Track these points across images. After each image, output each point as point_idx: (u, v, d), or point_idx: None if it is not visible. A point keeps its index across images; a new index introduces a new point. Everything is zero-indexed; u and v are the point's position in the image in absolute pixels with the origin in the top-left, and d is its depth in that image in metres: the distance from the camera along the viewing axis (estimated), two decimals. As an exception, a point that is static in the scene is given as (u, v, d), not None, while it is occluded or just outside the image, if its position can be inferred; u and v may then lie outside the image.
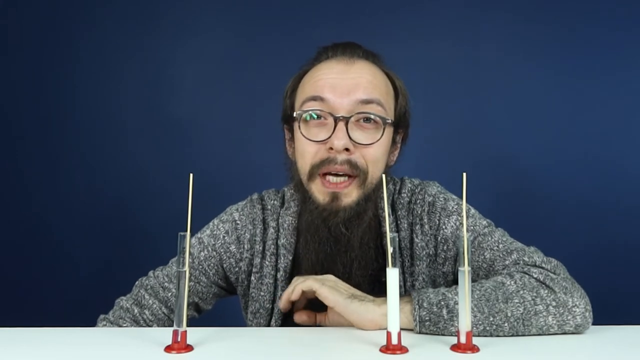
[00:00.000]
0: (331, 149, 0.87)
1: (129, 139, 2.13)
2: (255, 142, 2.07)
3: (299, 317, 0.89)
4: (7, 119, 2.16)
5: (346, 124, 0.87)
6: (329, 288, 0.82)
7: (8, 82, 2.16)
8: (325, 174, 0.88)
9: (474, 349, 0.71)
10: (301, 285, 0.85)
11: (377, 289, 0.85)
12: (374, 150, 0.89)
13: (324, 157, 0.88)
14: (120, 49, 2.15)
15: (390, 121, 0.91)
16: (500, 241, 0.91)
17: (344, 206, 0.88)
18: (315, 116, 0.89)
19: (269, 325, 0.97)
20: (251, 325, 0.99)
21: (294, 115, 0.92)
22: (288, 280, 0.96)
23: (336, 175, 0.88)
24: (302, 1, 2.10)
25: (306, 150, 0.90)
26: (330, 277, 0.87)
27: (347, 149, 0.87)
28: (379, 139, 0.89)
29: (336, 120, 0.87)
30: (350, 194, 0.89)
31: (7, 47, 2.17)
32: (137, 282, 1.03)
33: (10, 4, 2.17)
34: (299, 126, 0.90)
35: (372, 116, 0.89)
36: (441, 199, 0.97)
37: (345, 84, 0.89)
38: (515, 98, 2.04)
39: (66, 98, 2.15)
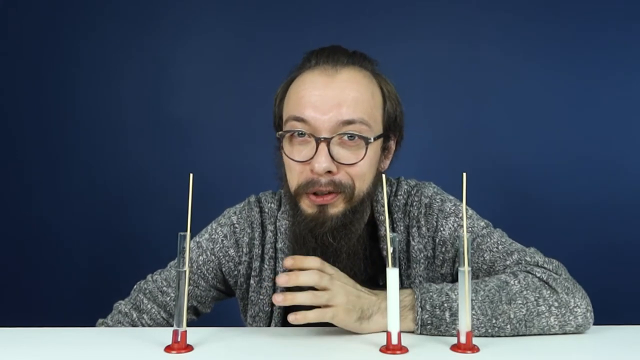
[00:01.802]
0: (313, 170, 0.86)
1: (129, 139, 2.13)
2: (254, 142, 2.06)
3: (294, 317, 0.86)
4: (7, 119, 2.17)
5: (328, 145, 0.85)
6: (336, 310, 0.77)
7: (8, 82, 2.16)
8: (311, 193, 0.88)
9: (474, 349, 0.71)
10: (311, 316, 0.76)
11: None
12: (359, 167, 0.88)
13: (308, 178, 0.87)
14: (120, 49, 2.15)
15: (372, 140, 0.88)
16: (499, 242, 0.91)
17: (330, 216, 0.87)
18: (299, 134, 0.88)
19: None
20: (250, 328, 0.99)
21: (277, 135, 0.91)
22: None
23: (321, 192, 0.87)
24: (302, 1, 2.10)
25: (292, 168, 0.89)
26: (340, 286, 0.80)
27: (329, 171, 0.85)
28: (362, 158, 0.87)
29: (318, 141, 0.85)
30: (337, 205, 0.88)
31: (7, 47, 2.17)
32: (135, 286, 1.02)
33: (10, 3, 2.17)
34: (283, 145, 0.90)
35: (356, 135, 0.87)
36: (438, 201, 0.97)
37: (327, 103, 0.86)
38: (514, 98, 2.04)
39: (66, 98, 2.15)
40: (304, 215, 0.89)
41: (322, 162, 0.84)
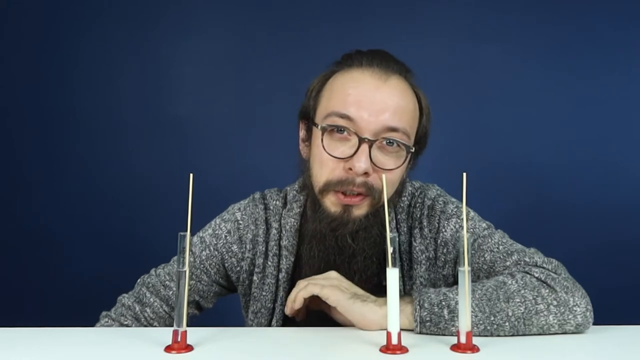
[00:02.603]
0: (350, 169, 0.86)
1: (129, 139, 2.13)
2: (255, 142, 2.07)
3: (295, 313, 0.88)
4: (7, 119, 2.17)
5: (370, 146, 0.85)
6: (330, 288, 0.82)
7: (8, 82, 2.16)
8: (340, 191, 0.88)
9: (474, 349, 0.71)
10: (302, 292, 0.84)
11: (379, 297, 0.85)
12: (394, 174, 0.89)
13: (342, 177, 0.87)
14: (121, 48, 2.15)
15: (413, 150, 0.90)
16: (500, 243, 0.91)
17: (353, 218, 0.88)
18: (339, 129, 0.87)
19: (269, 325, 0.97)
20: (252, 325, 1.00)
21: (317, 127, 0.90)
22: (290, 281, 0.96)
23: (351, 191, 0.87)
24: (302, 1, 2.10)
25: (325, 163, 0.88)
26: (333, 274, 0.86)
27: (366, 172, 0.86)
28: (400, 166, 0.88)
29: (361, 141, 0.85)
30: (362, 208, 0.88)
31: (7, 47, 2.17)
32: (139, 280, 1.03)
33: (10, 3, 2.17)
34: (322, 138, 0.88)
35: (396, 142, 0.88)
36: (440, 202, 0.97)
37: (375, 106, 0.86)
38: (514, 98, 2.04)
39: (66, 98, 2.15)
40: (326, 213, 0.89)
41: (363, 162, 0.85)
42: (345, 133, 0.87)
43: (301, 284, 0.86)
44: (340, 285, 0.83)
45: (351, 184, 0.86)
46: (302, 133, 0.97)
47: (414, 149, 0.90)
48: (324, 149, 0.87)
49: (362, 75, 0.89)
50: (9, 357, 0.70)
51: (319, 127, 0.89)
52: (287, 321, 0.95)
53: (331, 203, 0.88)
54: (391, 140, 0.87)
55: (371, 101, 0.86)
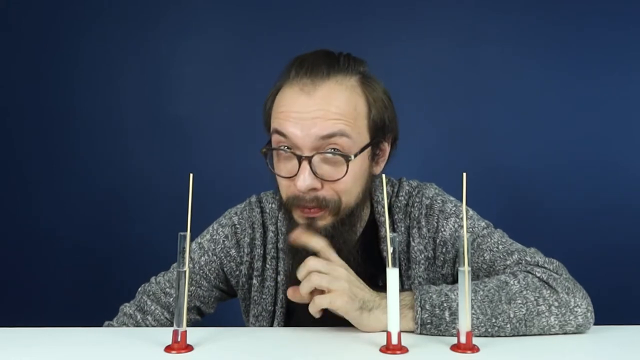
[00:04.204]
0: None
1: (129, 139, 2.13)
2: (255, 142, 2.05)
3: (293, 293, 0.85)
4: (7, 119, 2.16)
5: (310, 162, 0.84)
6: (340, 296, 0.78)
7: (8, 82, 2.16)
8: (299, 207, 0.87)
9: (474, 349, 0.71)
10: (312, 306, 0.80)
11: None
12: (343, 183, 0.86)
13: (295, 194, 0.86)
14: (121, 48, 2.15)
15: (353, 157, 0.86)
16: (499, 242, 0.91)
17: (318, 228, 0.87)
18: (282, 149, 0.87)
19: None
20: (252, 328, 0.99)
21: (263, 150, 0.91)
22: (289, 284, 0.95)
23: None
24: (301, 1, 2.10)
25: (280, 181, 0.89)
26: (340, 270, 0.81)
27: (314, 188, 0.85)
28: (344, 175, 0.86)
29: (299, 159, 0.84)
30: (325, 218, 0.87)
31: (7, 47, 2.17)
32: (139, 289, 1.03)
33: (10, 3, 2.17)
34: (271, 158, 0.90)
35: (337, 151, 0.85)
36: (439, 202, 0.97)
37: (305, 119, 0.84)
38: (514, 98, 2.04)
39: (66, 98, 2.15)
40: (296, 225, 0.89)
41: (303, 181, 0.83)
42: (289, 151, 0.86)
43: (308, 267, 0.81)
44: (350, 291, 0.79)
45: (303, 200, 0.85)
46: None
47: (353, 156, 0.86)
48: (272, 169, 0.89)
49: (291, 90, 0.88)
50: (9, 357, 0.70)
51: (262, 151, 0.90)
52: (289, 324, 0.96)
53: (297, 216, 0.89)
54: (332, 150, 0.85)
55: (300, 116, 0.85)
